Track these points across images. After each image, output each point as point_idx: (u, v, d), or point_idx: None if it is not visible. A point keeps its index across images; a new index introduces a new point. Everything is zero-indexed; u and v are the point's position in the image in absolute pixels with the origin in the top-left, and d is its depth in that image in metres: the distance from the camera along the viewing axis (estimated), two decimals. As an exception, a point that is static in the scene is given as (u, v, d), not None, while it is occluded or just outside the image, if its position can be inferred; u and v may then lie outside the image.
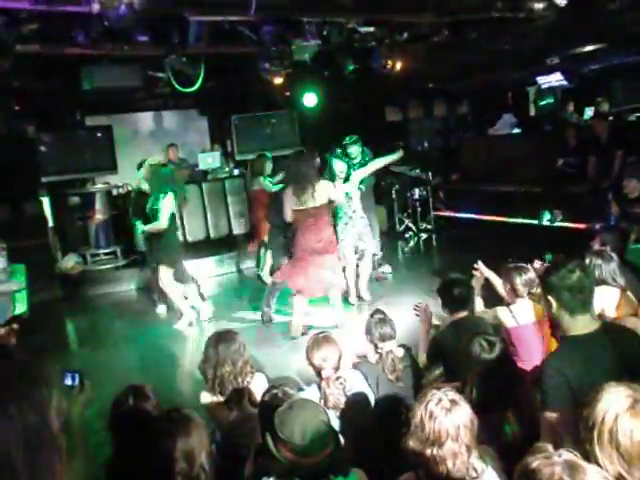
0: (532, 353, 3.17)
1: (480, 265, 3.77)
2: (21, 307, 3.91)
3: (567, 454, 1.47)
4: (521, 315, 3.27)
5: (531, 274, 3.30)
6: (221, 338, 2.91)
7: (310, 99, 8.64)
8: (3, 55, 4.95)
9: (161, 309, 6.48)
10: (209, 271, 7.93)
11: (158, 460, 1.77)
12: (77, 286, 7.70)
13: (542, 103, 9.96)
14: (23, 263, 5.25)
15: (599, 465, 1.55)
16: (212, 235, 8.84)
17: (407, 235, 9.08)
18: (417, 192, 9.30)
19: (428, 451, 1.83)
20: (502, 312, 3.32)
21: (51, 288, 6.98)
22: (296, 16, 5.14)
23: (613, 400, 1.61)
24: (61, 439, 0.67)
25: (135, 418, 2.30)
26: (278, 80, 6.09)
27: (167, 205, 5.67)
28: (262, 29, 5.23)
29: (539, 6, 5.07)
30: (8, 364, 0.70)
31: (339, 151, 6.14)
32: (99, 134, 8.64)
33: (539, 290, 3.19)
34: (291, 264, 5.40)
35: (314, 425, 1.92)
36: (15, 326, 3.53)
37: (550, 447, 1.54)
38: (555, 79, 8.65)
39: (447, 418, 1.82)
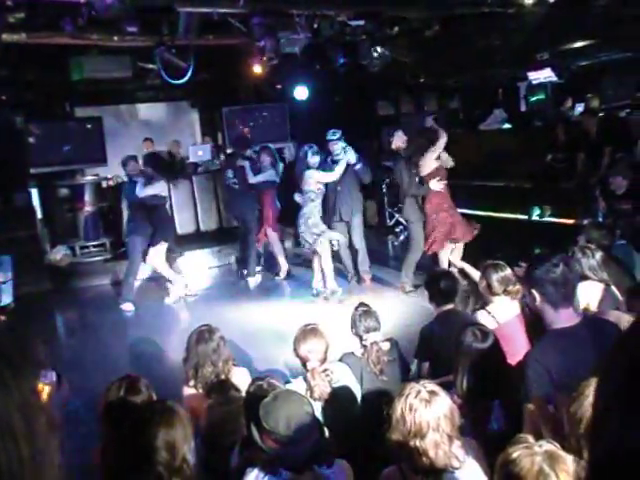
0: (517, 349, 3.20)
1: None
2: (7, 298, 3.89)
3: (547, 445, 1.50)
4: (500, 314, 3.26)
5: (507, 271, 3.30)
6: (200, 337, 2.91)
7: (301, 92, 8.60)
8: (-12, 44, 4.90)
9: (127, 306, 6.41)
10: (199, 264, 7.92)
11: (139, 449, 1.78)
12: (66, 278, 7.66)
13: (533, 99, 10.00)
14: (12, 254, 5.23)
15: (583, 457, 1.57)
16: (202, 228, 8.83)
17: (397, 229, 9.10)
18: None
19: (411, 443, 1.85)
20: (481, 315, 3.27)
21: (40, 280, 6.95)
22: (286, 8, 5.12)
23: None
24: (54, 417, 0.66)
25: (123, 409, 2.31)
26: (259, 70, 6.07)
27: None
28: (252, 21, 5.21)
29: (529, 1, 5.09)
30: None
31: (316, 148, 6.08)
32: (89, 125, 8.56)
33: (517, 287, 3.23)
34: (439, 229, 5.67)
35: (298, 416, 1.93)
36: (1, 317, 3.52)
37: (531, 438, 1.56)
38: (545, 75, 8.68)
39: (427, 409, 1.85)
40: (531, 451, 1.48)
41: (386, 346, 3.15)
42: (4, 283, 4.15)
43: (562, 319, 2.22)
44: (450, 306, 3.42)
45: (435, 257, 5.95)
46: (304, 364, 2.84)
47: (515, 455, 1.49)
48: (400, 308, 5.56)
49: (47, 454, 0.62)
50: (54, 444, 0.64)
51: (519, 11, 5.17)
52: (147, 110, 10.00)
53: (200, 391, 2.86)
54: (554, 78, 8.57)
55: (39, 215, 8.13)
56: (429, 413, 1.84)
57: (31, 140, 8.04)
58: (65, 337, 6.26)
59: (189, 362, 2.89)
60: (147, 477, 1.75)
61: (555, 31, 6.18)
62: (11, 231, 6.58)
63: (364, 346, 3.13)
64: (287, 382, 2.93)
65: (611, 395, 0.59)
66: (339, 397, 2.79)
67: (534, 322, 3.16)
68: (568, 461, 1.47)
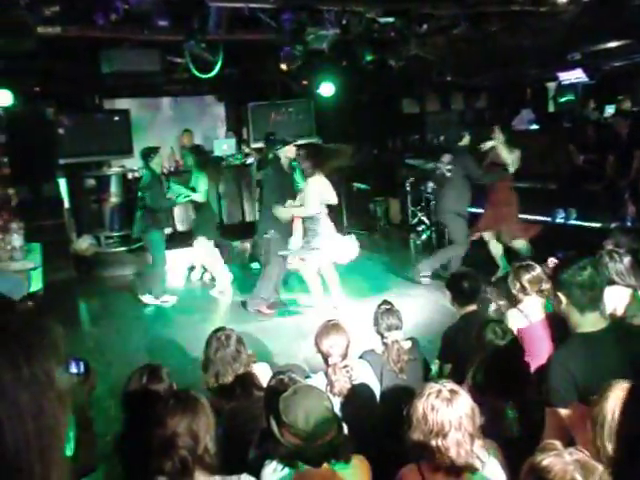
0: (542, 350, 3.17)
1: None
2: (36, 285, 3.99)
3: (578, 453, 1.47)
4: (532, 313, 3.26)
5: (538, 271, 3.29)
6: (218, 345, 2.80)
7: (327, 88, 8.59)
8: (25, 37, 5.00)
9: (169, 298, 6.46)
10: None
11: (164, 434, 1.81)
12: (90, 267, 7.81)
13: (562, 100, 9.83)
14: (39, 243, 5.35)
15: (609, 460, 1.55)
16: (226, 221, 8.91)
17: (419, 228, 9.05)
18: (431, 186, 9.25)
19: (432, 442, 1.85)
20: (512, 314, 3.27)
21: (65, 268, 7.10)
22: (316, 4, 5.11)
23: (622, 397, 1.62)
24: (66, 395, 0.66)
25: (145, 397, 2.35)
26: (293, 66, 6.07)
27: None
28: (281, 16, 5.21)
29: (563, 0, 4.99)
30: (13, 316, 0.70)
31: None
32: (116, 118, 8.69)
33: (548, 286, 3.19)
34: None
35: (318, 411, 1.94)
36: (30, 303, 3.60)
37: (559, 445, 1.54)
38: (576, 75, 8.51)
39: (449, 409, 1.84)
40: (563, 459, 1.44)
41: (407, 345, 3.14)
42: (34, 269, 4.25)
43: (588, 323, 2.19)
44: (473, 307, 3.39)
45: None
46: (325, 359, 2.85)
47: (546, 462, 1.45)
48: (422, 307, 5.53)
49: (56, 433, 0.62)
50: (64, 423, 0.63)
51: (552, 10, 5.07)
52: (174, 103, 10.11)
53: (222, 389, 2.82)
54: (585, 79, 8.40)
55: (66, 205, 8.30)
56: (451, 412, 1.83)
57: (61, 131, 8.20)
58: (88, 324, 6.39)
59: (209, 370, 2.80)
60: (172, 461, 1.78)
61: (588, 31, 6.05)
62: (40, 220, 6.73)
63: (385, 344, 3.12)
64: (307, 377, 2.94)
65: None
66: (359, 394, 2.79)
67: (557, 324, 3.13)
68: (601, 472, 1.44)
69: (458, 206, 6.33)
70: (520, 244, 6.21)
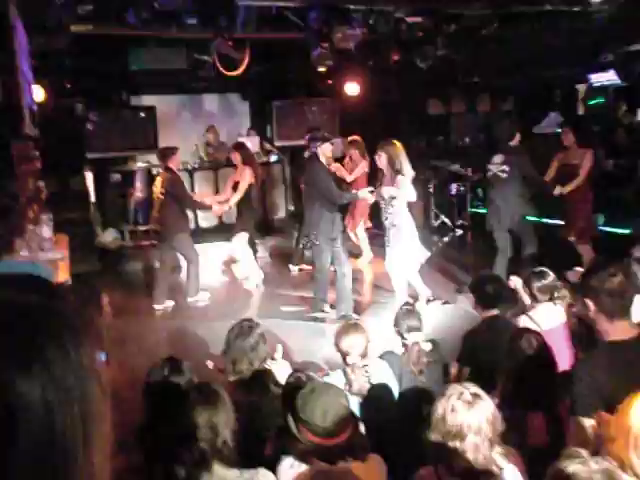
0: (559, 358, 3.11)
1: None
2: (63, 276, 4.07)
3: (604, 462, 1.44)
4: (543, 320, 3.19)
5: (551, 279, 3.22)
6: (240, 332, 2.85)
7: (352, 88, 8.58)
8: (60, 34, 5.11)
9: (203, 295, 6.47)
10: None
11: (184, 426, 1.83)
12: (114, 260, 7.94)
13: (592, 102, 9.62)
14: (66, 235, 5.46)
15: (634, 470, 1.51)
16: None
17: (442, 230, 8.97)
18: (455, 187, 9.16)
19: (450, 444, 1.83)
20: (523, 321, 3.23)
21: (90, 260, 7.23)
22: (343, 4, 5.11)
23: None
24: (104, 380, 0.67)
25: (166, 389, 2.38)
26: (324, 68, 6.07)
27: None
28: (309, 16, 5.23)
29: (597, 0, 4.87)
30: (62, 301, 0.71)
31: None
32: (143, 114, 8.82)
33: (563, 293, 3.14)
34: None
35: (335, 408, 1.95)
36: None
37: (585, 452, 1.51)
38: (607, 77, 8.32)
39: (469, 412, 1.82)
40: (588, 468, 1.41)
41: (427, 347, 3.12)
42: (62, 260, 4.34)
43: (617, 331, 2.14)
44: (495, 311, 3.34)
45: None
46: (344, 358, 2.85)
47: (571, 470, 1.42)
48: (443, 310, 5.48)
49: (98, 421, 0.62)
50: (105, 412, 0.64)
51: (585, 10, 4.96)
52: (200, 101, 10.21)
53: (240, 384, 2.87)
54: (617, 81, 8.21)
55: (92, 199, 8.45)
56: (471, 415, 1.81)
57: (89, 126, 8.36)
58: (110, 316, 6.49)
59: (227, 355, 2.86)
60: (191, 452, 1.80)
61: (621, 31, 5.91)
62: (66, 212, 6.86)
63: (405, 345, 3.11)
64: (326, 375, 2.94)
65: None
66: (377, 393, 2.78)
67: (580, 333, 3.06)
68: None
69: (525, 209, 5.92)
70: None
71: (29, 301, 0.63)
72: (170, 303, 6.28)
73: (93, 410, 0.61)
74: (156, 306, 6.17)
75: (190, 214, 6.69)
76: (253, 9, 5.15)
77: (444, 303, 5.57)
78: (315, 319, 5.48)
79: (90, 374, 0.62)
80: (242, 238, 6.63)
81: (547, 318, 3.18)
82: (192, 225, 7.49)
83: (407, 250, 5.21)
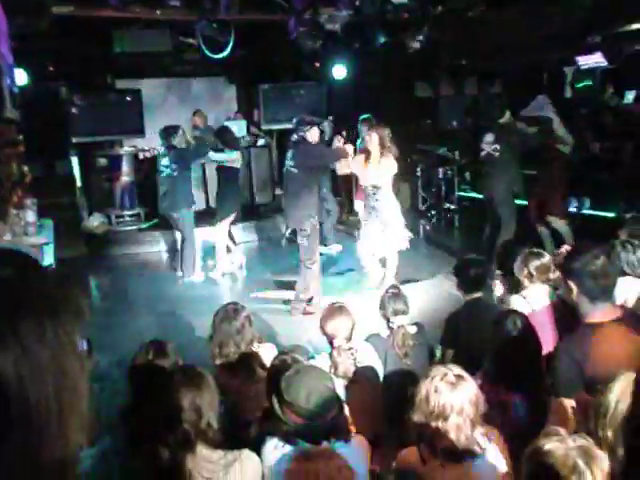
0: (546, 339, 3.16)
1: None
2: (48, 260, 4.05)
3: (581, 440, 1.47)
4: (535, 301, 3.23)
5: (547, 260, 3.25)
6: (225, 316, 2.86)
7: (339, 71, 8.51)
8: (40, 16, 5.01)
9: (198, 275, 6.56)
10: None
11: (168, 407, 1.85)
12: (101, 245, 7.89)
13: (579, 85, 9.62)
14: (51, 219, 5.41)
15: (612, 450, 1.54)
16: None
17: (429, 214, 9.00)
18: (442, 171, 9.17)
19: (433, 424, 1.86)
20: (516, 300, 3.24)
21: (76, 245, 7.18)
22: (329, -15, 5.05)
23: (628, 387, 1.61)
24: (85, 360, 0.67)
25: (151, 372, 2.39)
26: (306, 47, 5.99)
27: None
28: (294, -3, 5.16)
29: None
30: (41, 275, 0.70)
31: None
32: (128, 98, 8.69)
33: (557, 274, 3.16)
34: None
35: (319, 390, 1.97)
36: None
37: (563, 431, 1.54)
38: (595, 60, 8.31)
39: (452, 392, 1.85)
40: (565, 445, 1.44)
41: (412, 330, 3.15)
42: (46, 245, 4.32)
43: (599, 314, 2.16)
44: (479, 294, 3.38)
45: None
46: (330, 341, 2.88)
47: (548, 447, 1.45)
48: (429, 293, 5.53)
49: (75, 395, 0.62)
50: (82, 389, 0.64)
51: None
52: (185, 84, 10.08)
53: (226, 367, 2.89)
54: (605, 63, 8.20)
55: (78, 183, 8.36)
56: (454, 396, 1.84)
57: (73, 110, 8.23)
58: (98, 300, 6.47)
59: (214, 339, 2.87)
60: (174, 434, 1.82)
61: (609, 12, 5.88)
62: (52, 197, 6.78)
63: (390, 328, 3.14)
64: (311, 357, 2.97)
65: None
66: (362, 376, 2.81)
67: (564, 314, 3.10)
68: (603, 459, 1.44)
69: (510, 189, 5.99)
70: (562, 225, 6.06)
71: (5, 274, 0.62)
72: (201, 274, 6.46)
73: (69, 385, 0.61)
74: (186, 279, 6.38)
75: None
76: (237, -10, 5.08)
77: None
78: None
79: (67, 349, 0.61)
80: (224, 226, 6.61)
81: (538, 299, 3.22)
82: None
83: (385, 232, 5.33)
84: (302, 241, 5.16)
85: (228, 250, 6.80)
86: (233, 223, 6.85)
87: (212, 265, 6.78)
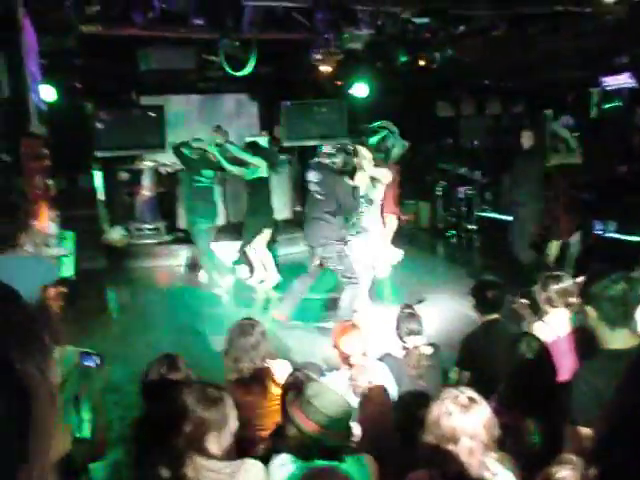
0: (565, 366, 3.05)
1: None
2: (68, 272, 4.10)
3: (594, 470, 1.41)
4: (557, 327, 3.12)
5: (568, 283, 3.13)
6: (241, 331, 2.86)
7: (361, 89, 8.55)
8: (69, 35, 5.17)
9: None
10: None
11: (177, 421, 1.84)
12: (121, 258, 7.99)
13: (606, 106, 9.49)
14: (73, 232, 5.49)
15: None
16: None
17: (449, 234, 8.92)
18: (463, 191, 9.11)
19: (443, 447, 1.80)
20: (538, 327, 3.10)
21: (97, 257, 7.29)
22: (351, 4, 5.10)
23: None
24: (57, 389, 0.66)
25: (164, 387, 2.38)
26: (326, 68, 6.05)
27: None
28: (316, 16, 5.22)
29: (609, 0, 4.78)
30: (14, 308, 0.70)
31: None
32: (151, 113, 8.86)
33: (577, 300, 3.05)
34: None
35: (342, 402, 2.02)
36: (63, 289, 3.68)
37: (576, 459, 1.48)
38: (622, 80, 8.20)
39: (464, 415, 1.79)
40: (578, 474, 1.39)
41: (428, 350, 3.09)
42: (67, 256, 4.37)
43: (618, 340, 2.10)
44: (495, 316, 3.30)
45: None
46: (342, 359, 2.84)
47: (560, 475, 1.40)
48: (446, 313, 5.44)
49: (42, 425, 0.61)
50: (49, 427, 0.63)
51: (597, 10, 4.88)
52: (207, 101, 10.24)
53: (240, 384, 2.87)
54: (632, 84, 8.09)
55: (101, 197, 8.52)
56: (466, 419, 1.79)
57: (98, 126, 8.42)
58: (116, 312, 6.53)
59: (229, 355, 2.86)
60: (181, 445, 1.81)
61: (634, 33, 5.80)
62: (74, 209, 6.91)
63: (405, 348, 3.08)
64: (323, 375, 2.93)
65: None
66: (375, 395, 2.76)
67: (581, 341, 3.00)
68: None
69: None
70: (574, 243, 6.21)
71: None
72: (229, 280, 6.65)
73: (37, 413, 0.60)
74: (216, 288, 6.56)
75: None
76: (259, 9, 5.15)
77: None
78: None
79: (38, 385, 0.61)
80: (263, 239, 6.71)
81: (561, 324, 3.09)
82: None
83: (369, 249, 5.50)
84: (334, 266, 5.11)
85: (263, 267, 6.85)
86: (274, 240, 6.98)
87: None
